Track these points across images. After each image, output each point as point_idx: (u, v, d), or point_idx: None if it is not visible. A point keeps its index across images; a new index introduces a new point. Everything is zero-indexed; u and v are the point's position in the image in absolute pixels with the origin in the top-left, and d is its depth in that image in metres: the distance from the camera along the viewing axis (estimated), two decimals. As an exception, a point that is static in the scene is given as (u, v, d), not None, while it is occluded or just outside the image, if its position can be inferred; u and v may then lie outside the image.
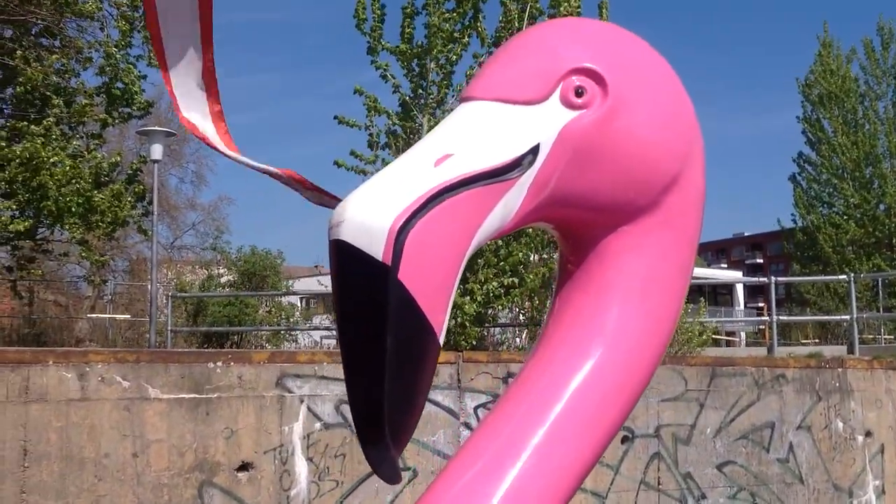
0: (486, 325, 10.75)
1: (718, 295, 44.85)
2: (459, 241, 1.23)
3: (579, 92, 1.35)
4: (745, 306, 50.03)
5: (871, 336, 17.96)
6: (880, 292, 20.52)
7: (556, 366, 1.43)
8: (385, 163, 11.15)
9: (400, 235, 1.16)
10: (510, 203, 1.31)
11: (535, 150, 1.32)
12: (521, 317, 12.48)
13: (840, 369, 9.41)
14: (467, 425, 7.53)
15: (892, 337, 18.23)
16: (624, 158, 1.39)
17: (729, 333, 28.36)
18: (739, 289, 50.80)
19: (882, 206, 30.53)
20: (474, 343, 9.51)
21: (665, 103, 1.44)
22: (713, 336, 16.53)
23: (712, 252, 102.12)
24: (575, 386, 1.41)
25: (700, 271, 49.75)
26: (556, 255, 8.36)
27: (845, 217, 31.13)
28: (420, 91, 11.29)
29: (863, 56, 32.31)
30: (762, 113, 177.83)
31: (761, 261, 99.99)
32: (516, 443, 1.38)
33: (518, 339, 13.00)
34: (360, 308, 1.18)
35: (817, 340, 20.03)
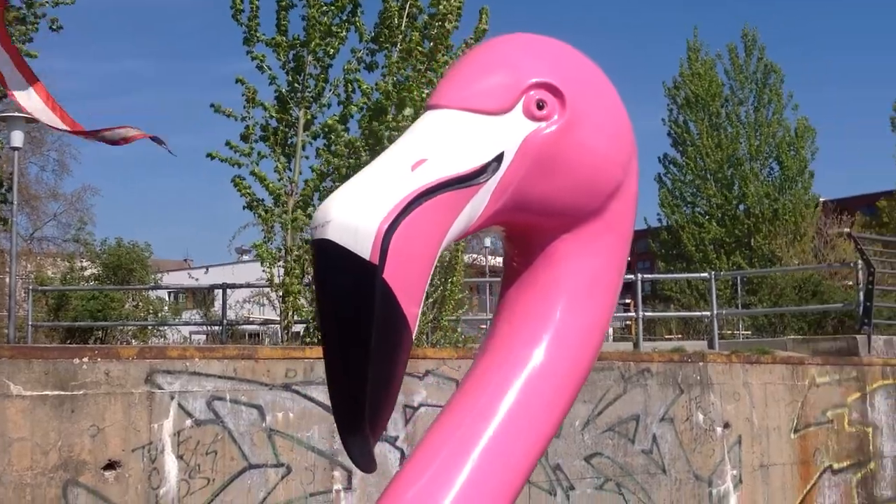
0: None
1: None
2: (434, 241, 1.31)
3: (540, 105, 1.45)
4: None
5: (729, 332, 18.75)
6: (739, 289, 21.42)
7: (508, 363, 1.51)
8: (261, 156, 11.00)
9: (386, 237, 1.23)
10: (476, 207, 1.39)
11: (499, 158, 1.41)
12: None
13: (701, 363, 9.79)
14: (342, 421, 7.51)
15: (749, 332, 19.06)
16: (578, 167, 1.49)
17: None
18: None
19: (742, 207, 31.87)
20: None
21: (611, 116, 1.56)
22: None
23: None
24: (528, 382, 1.50)
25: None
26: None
27: (707, 216, 32.37)
28: (297, 84, 11.18)
29: (727, 61, 33.62)
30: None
31: (628, 258, 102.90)
32: (473, 441, 1.45)
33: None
34: (345, 304, 1.25)
35: (680, 336, 20.78)
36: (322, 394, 7.45)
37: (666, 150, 34.76)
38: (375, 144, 10.32)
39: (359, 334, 1.25)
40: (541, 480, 8.52)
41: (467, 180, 1.37)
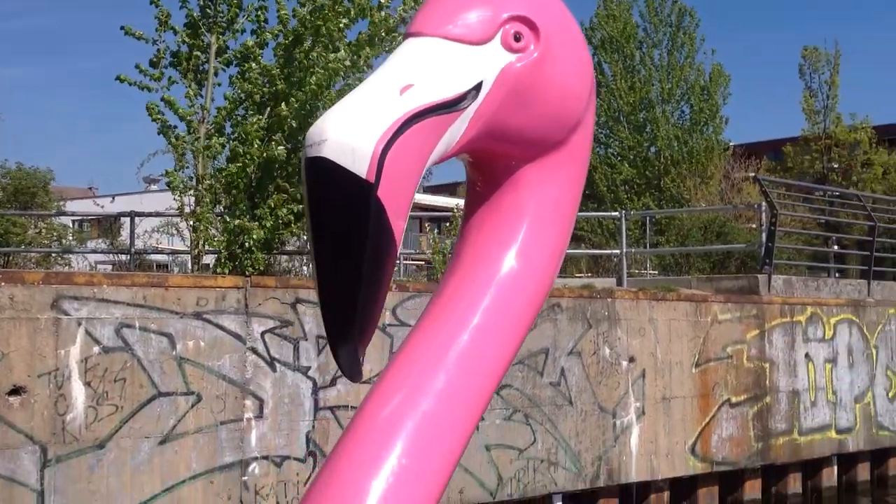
0: (274, 251, 10.65)
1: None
2: (420, 162, 1.39)
3: (517, 37, 1.52)
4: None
5: (637, 270, 19.16)
6: (648, 229, 21.84)
7: (479, 281, 1.60)
8: (171, 81, 10.71)
9: (381, 157, 1.30)
10: (455, 132, 1.46)
11: (478, 87, 1.48)
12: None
13: (609, 300, 10.01)
14: (254, 350, 7.49)
15: (656, 272, 19.52)
16: (548, 99, 1.58)
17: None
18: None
19: (653, 149, 32.38)
20: (261, 269, 9.41)
21: (577, 52, 1.64)
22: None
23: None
24: (498, 298, 1.60)
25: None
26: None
27: (620, 158, 32.81)
28: (209, 10, 10.86)
29: (642, 4, 33.82)
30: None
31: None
32: (448, 353, 1.54)
33: (305, 268, 12.97)
34: (340, 220, 1.32)
35: (590, 274, 21.17)
36: (234, 323, 7.40)
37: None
38: (291, 73, 10.13)
39: (353, 248, 1.32)
40: (451, 411, 8.65)
41: (450, 106, 1.43)
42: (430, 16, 1.52)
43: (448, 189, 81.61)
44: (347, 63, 10.31)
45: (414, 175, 1.38)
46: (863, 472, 13.15)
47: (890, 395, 13.16)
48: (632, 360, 10.07)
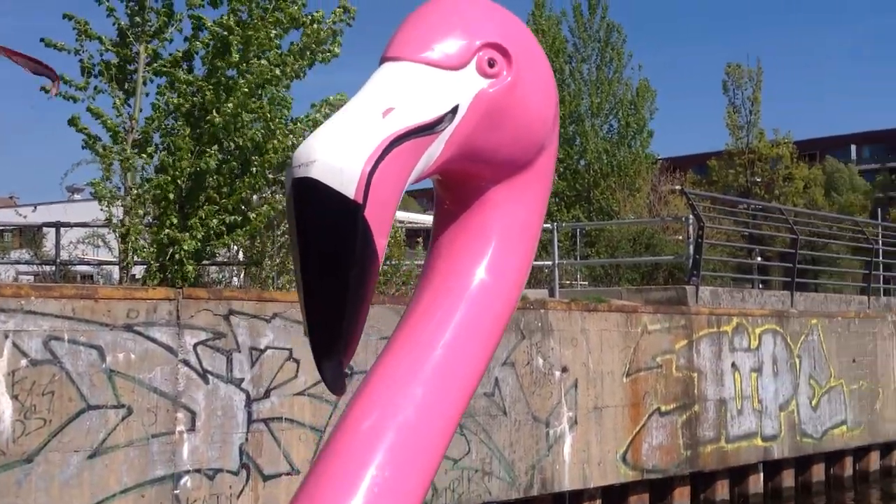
0: (205, 262, 10.52)
1: (422, 238, 46.35)
2: (402, 182, 1.44)
3: (491, 63, 1.59)
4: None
5: (568, 281, 19.36)
6: (578, 241, 22.08)
7: (451, 298, 1.65)
8: (97, 90, 10.52)
9: (368, 179, 1.34)
10: (432, 154, 1.51)
11: (454, 110, 1.54)
12: (242, 256, 12.33)
13: (542, 310, 10.11)
14: (186, 362, 7.39)
15: (587, 282, 19.75)
16: (519, 122, 1.64)
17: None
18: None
19: (583, 162, 32.75)
20: (192, 281, 9.29)
21: (544, 78, 1.71)
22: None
23: (429, 198, 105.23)
24: (469, 314, 1.64)
25: (419, 217, 51.26)
26: (279, 196, 8.32)
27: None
28: (137, 18, 10.71)
29: (571, 19, 34.26)
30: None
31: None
32: (422, 368, 1.59)
33: (236, 279, 12.84)
34: (328, 239, 1.35)
35: (521, 285, 21.31)
36: (165, 335, 7.30)
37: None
38: (220, 84, 10.04)
39: (339, 266, 1.36)
40: (385, 422, 8.64)
41: (428, 129, 1.49)
42: (407, 41, 1.57)
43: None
44: (277, 72, 10.27)
45: (396, 195, 1.43)
46: (787, 478, 13.47)
47: (813, 403, 13.51)
48: (564, 370, 10.18)
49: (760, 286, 17.57)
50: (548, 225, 17.96)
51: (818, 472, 13.98)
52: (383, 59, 1.58)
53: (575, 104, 32.89)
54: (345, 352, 1.43)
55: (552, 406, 10.02)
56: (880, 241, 17.53)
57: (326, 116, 11.20)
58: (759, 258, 23.89)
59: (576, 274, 20.09)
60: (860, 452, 14.79)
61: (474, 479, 9.29)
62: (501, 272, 1.69)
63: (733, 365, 12.20)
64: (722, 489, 12.34)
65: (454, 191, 1.75)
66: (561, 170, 32.85)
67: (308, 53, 10.56)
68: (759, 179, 44.19)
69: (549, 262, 14.76)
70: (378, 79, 1.53)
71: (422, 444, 1.57)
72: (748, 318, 12.61)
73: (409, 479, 1.55)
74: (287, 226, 1.43)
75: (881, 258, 17.09)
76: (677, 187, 30.11)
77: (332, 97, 11.16)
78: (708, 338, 11.88)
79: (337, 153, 1.35)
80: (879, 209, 46.50)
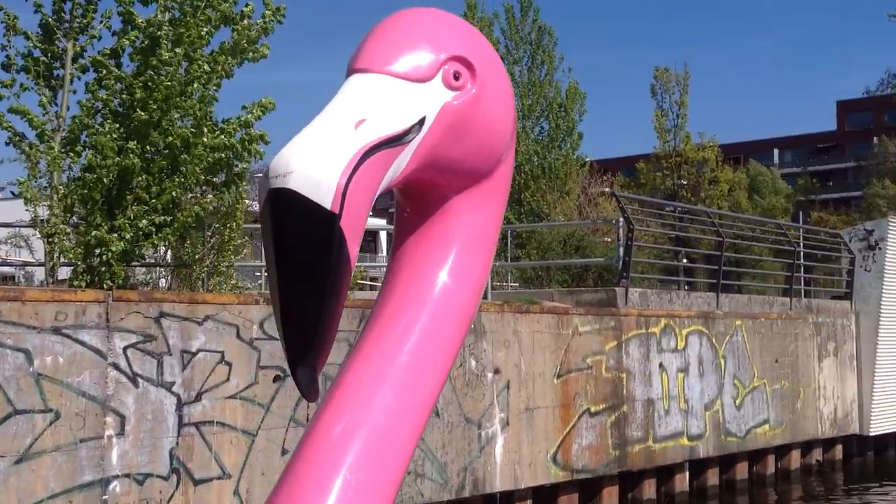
0: (134, 264, 10.35)
1: (363, 241, 46.20)
2: (373, 192, 1.47)
3: (456, 76, 1.62)
4: (388, 253, 52.06)
5: (499, 283, 19.49)
6: (509, 243, 22.25)
7: (416, 303, 1.69)
8: (23, 87, 10.28)
9: (344, 190, 1.38)
10: (399, 164, 1.55)
11: (421, 122, 1.57)
12: (170, 257, 12.14)
13: (476, 312, 10.15)
14: (115, 366, 7.28)
15: (517, 284, 19.89)
16: (481, 133, 1.68)
17: (372, 279, 29.43)
18: (383, 236, 52.78)
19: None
20: (120, 283, 9.14)
21: (503, 91, 1.75)
22: (358, 281, 17.10)
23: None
24: (433, 318, 1.69)
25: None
26: (210, 197, 8.22)
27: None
28: (63, 14, 10.50)
29: (504, 21, 34.48)
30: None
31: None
32: (390, 372, 1.63)
33: (163, 281, 12.65)
34: (306, 248, 1.38)
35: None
36: (95, 338, 7.18)
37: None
38: (149, 81, 9.89)
39: (316, 275, 1.38)
40: (318, 425, 8.61)
41: (397, 140, 1.52)
42: (376, 53, 1.60)
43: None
44: (207, 68, 10.18)
45: (368, 204, 1.46)
46: (712, 477, 13.76)
47: (737, 402, 13.83)
48: (497, 371, 10.26)
49: (686, 288, 17.90)
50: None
51: (742, 471, 14.31)
52: (351, 71, 1.61)
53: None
54: (318, 358, 1.46)
55: (484, 408, 10.09)
56: (801, 244, 18.00)
57: (258, 119, 11.17)
58: (685, 260, 24.34)
59: (507, 275, 20.23)
60: (782, 451, 15.18)
61: (406, 481, 9.31)
62: (464, 278, 1.74)
63: (661, 366, 12.43)
64: (649, 488, 12.56)
65: (416, 199, 1.79)
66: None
67: (239, 52, 10.48)
68: (685, 182, 45.01)
69: (481, 264, 14.84)
70: (348, 90, 1.56)
71: (392, 448, 1.61)
72: (675, 319, 12.86)
73: (380, 481, 1.59)
74: (262, 235, 1.43)
75: (802, 260, 17.55)
76: (607, 189, 30.52)
77: (264, 99, 11.10)
78: (637, 339, 12.08)
79: (313, 165, 1.38)
80: (801, 212, 47.73)
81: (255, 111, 11.07)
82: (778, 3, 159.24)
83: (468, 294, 1.76)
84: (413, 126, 1.56)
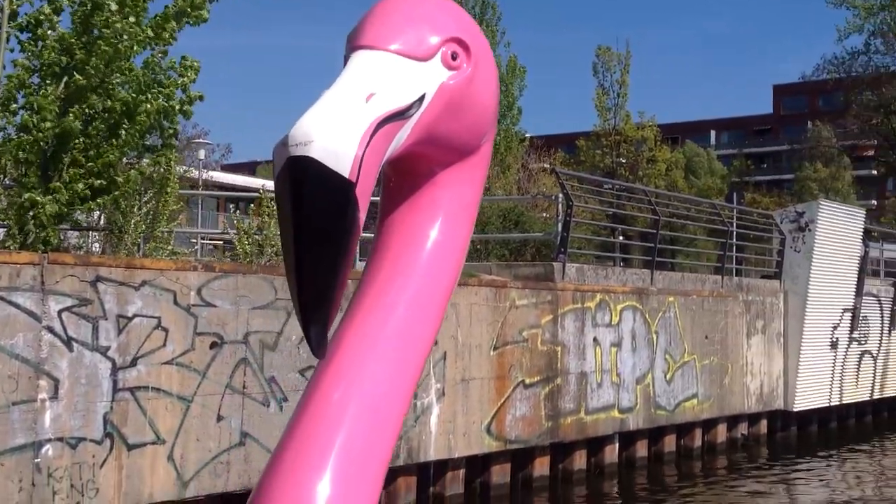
0: (69, 227, 10.21)
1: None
2: (380, 163, 1.56)
3: (454, 56, 1.72)
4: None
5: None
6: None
7: (406, 268, 1.79)
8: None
9: (361, 160, 1.46)
10: (401, 137, 1.63)
11: (422, 98, 1.66)
12: (104, 222, 11.99)
13: (414, 283, 10.23)
14: (50, 329, 7.21)
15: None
16: (473, 111, 1.79)
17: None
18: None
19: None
20: (54, 246, 9.02)
21: (492, 72, 1.85)
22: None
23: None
24: (424, 282, 1.80)
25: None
26: (146, 161, 8.14)
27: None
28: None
29: (448, -5, 34.37)
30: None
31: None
32: (387, 332, 1.75)
33: (97, 245, 12.48)
34: (325, 214, 1.46)
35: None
36: (29, 300, 7.09)
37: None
38: (90, 42, 9.72)
39: (333, 239, 1.47)
40: (255, 392, 8.64)
41: (401, 115, 1.61)
42: (381, 31, 1.69)
43: (248, 167, 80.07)
44: (150, 34, 10.03)
45: (376, 174, 1.56)
46: (641, 448, 14.08)
47: (667, 377, 14.14)
48: (434, 342, 10.33)
49: (622, 264, 18.19)
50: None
51: (670, 443, 14.66)
52: (356, 47, 1.69)
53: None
54: (329, 317, 1.54)
55: (421, 378, 10.16)
56: (735, 224, 18.38)
57: (193, 81, 11.04)
58: (621, 237, 24.67)
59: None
60: (709, 424, 15.57)
61: (342, 448, 9.38)
62: (451, 246, 1.85)
63: (595, 340, 12.65)
64: (580, 459, 12.81)
65: (406, 172, 1.87)
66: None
67: (183, 17, 10.35)
68: (624, 161, 45.53)
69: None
70: (357, 65, 1.64)
71: (388, 410, 1.72)
72: (610, 294, 13.08)
73: (378, 441, 1.69)
74: (276, 201, 1.49)
75: (735, 240, 17.92)
76: (547, 165, 30.74)
77: (188, 59, 10.94)
78: (572, 313, 12.27)
79: (333, 135, 1.45)
80: (735, 193, 48.67)
81: (189, 74, 10.96)
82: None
83: (455, 261, 1.87)
84: (415, 102, 1.65)
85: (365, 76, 1.61)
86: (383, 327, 1.74)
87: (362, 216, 1.51)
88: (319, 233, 1.48)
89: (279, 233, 1.54)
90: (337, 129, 1.47)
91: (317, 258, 1.49)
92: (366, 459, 1.67)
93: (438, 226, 1.84)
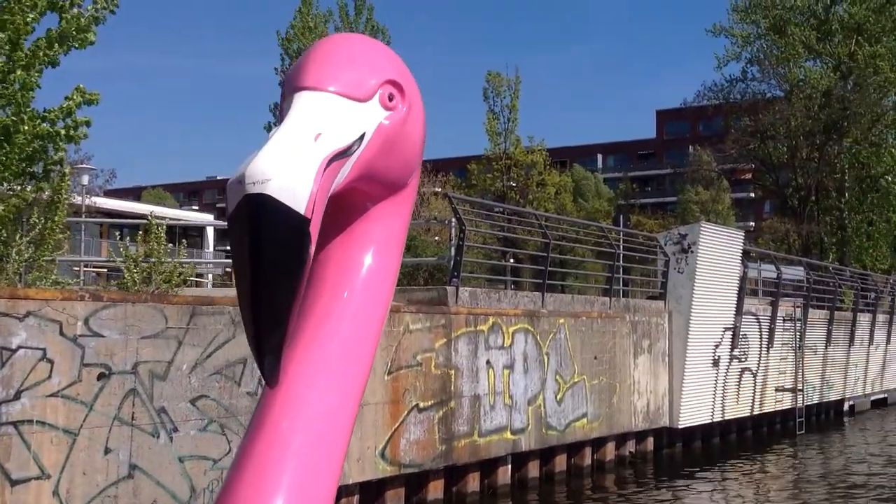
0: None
1: (189, 236, 45.18)
2: (326, 199, 1.64)
3: (391, 97, 1.83)
4: (215, 248, 51.07)
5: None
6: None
7: (344, 299, 1.88)
8: None
9: (315, 197, 1.54)
10: (343, 174, 1.72)
11: (361, 137, 1.76)
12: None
13: (307, 309, 10.21)
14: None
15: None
16: (407, 149, 1.90)
17: (198, 275, 28.81)
18: (210, 231, 51.64)
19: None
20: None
21: (421, 112, 1.95)
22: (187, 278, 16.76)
23: (185, 194, 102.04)
24: (361, 311, 1.89)
25: (172, 212, 49.68)
26: (29, 188, 7.95)
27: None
28: None
29: (338, 18, 34.50)
30: (239, 58, 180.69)
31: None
32: (329, 361, 1.84)
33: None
34: (281, 249, 1.52)
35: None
36: None
37: (276, 99, 35.03)
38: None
39: (290, 273, 1.54)
40: (145, 423, 8.47)
41: (344, 153, 1.70)
42: (323, 73, 1.78)
43: (133, 193, 78.24)
44: (27, 53, 9.87)
45: (323, 209, 1.64)
46: (533, 469, 14.29)
47: (558, 397, 14.41)
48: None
49: (514, 287, 18.47)
50: (312, 224, 18.06)
51: (560, 463, 14.92)
52: (298, 87, 1.77)
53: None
54: (283, 347, 1.60)
55: (314, 404, 10.13)
56: (621, 246, 18.87)
57: (79, 106, 10.85)
58: (512, 260, 25.06)
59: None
60: (598, 443, 15.90)
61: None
62: (384, 274, 1.95)
63: (488, 362, 12.82)
64: (473, 481, 12.93)
65: (340, 207, 1.95)
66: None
67: (68, 40, 10.17)
68: (514, 184, 46.23)
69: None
70: (303, 105, 1.73)
71: (335, 434, 1.83)
72: (503, 317, 13.28)
73: (328, 466, 1.81)
74: (231, 236, 1.55)
75: (622, 262, 18.40)
76: (439, 189, 30.98)
77: (82, 86, 10.82)
78: (465, 336, 12.42)
79: (289, 174, 1.53)
80: (621, 215, 49.90)
81: (75, 98, 10.77)
82: (606, 13, 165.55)
83: (388, 288, 1.97)
84: (356, 141, 1.75)
85: (311, 116, 1.69)
86: (326, 354, 1.83)
87: (312, 250, 1.59)
88: (277, 265, 1.54)
89: (232, 266, 1.60)
90: (292, 167, 1.55)
91: (274, 290, 1.55)
92: (318, 484, 1.77)
93: (372, 256, 1.94)
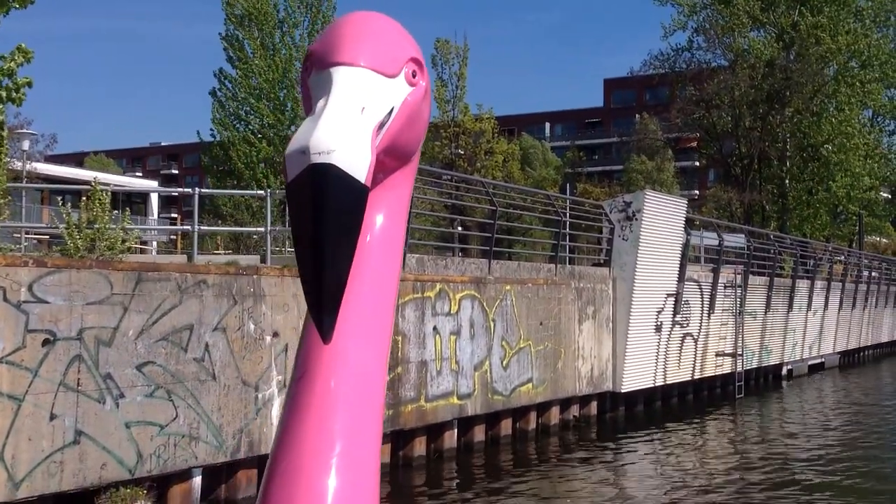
0: None
1: (133, 203, 44.59)
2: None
3: (413, 74, 1.96)
4: (159, 216, 50.51)
5: (279, 248, 19.49)
6: (287, 209, 22.20)
7: (366, 257, 1.98)
8: None
9: (372, 166, 1.66)
10: (375, 146, 1.81)
11: (391, 112, 1.87)
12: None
13: (255, 276, 10.24)
14: None
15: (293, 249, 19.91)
16: (422, 122, 2.04)
17: (142, 242, 28.51)
18: (154, 198, 51.03)
19: (293, 128, 32.76)
20: None
21: (430, 90, 2.08)
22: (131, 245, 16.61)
23: (128, 160, 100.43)
24: (380, 272, 2.00)
25: (115, 178, 48.99)
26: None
27: (259, 136, 32.91)
28: None
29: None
30: (184, 19, 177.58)
31: (176, 171, 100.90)
32: (359, 324, 1.94)
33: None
34: (345, 215, 1.64)
35: (230, 251, 21.16)
36: None
37: (222, 64, 34.62)
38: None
39: (349, 236, 1.66)
40: (90, 389, 8.46)
41: (382, 125, 1.83)
42: (357, 50, 1.90)
43: (74, 159, 76.76)
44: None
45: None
46: (479, 433, 14.50)
47: (504, 363, 14.60)
48: (275, 335, 10.38)
49: (461, 254, 18.59)
50: (261, 192, 18.00)
51: (506, 427, 15.15)
52: (335, 63, 1.88)
53: (286, 69, 32.86)
54: (340, 306, 1.71)
55: (262, 370, 10.21)
56: (568, 214, 19.06)
57: (20, 65, 10.68)
58: (460, 227, 25.16)
59: (285, 241, 20.26)
60: (543, 407, 16.17)
61: (181, 444, 9.31)
62: (397, 237, 2.07)
63: (435, 328, 12.94)
64: (420, 445, 13.09)
65: None
66: (271, 135, 32.80)
67: (8, 0, 9.99)
68: (462, 152, 46.25)
69: (262, 229, 14.84)
70: (345, 80, 1.84)
71: (376, 387, 1.94)
72: (450, 284, 13.40)
73: (374, 418, 1.90)
74: (292, 203, 1.66)
75: (568, 229, 18.60)
76: (386, 157, 30.89)
77: (23, 45, 10.66)
78: (413, 303, 12.52)
79: (351, 145, 1.66)
80: (568, 184, 50.25)
81: (16, 58, 10.61)
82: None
83: (400, 249, 2.09)
84: (387, 115, 1.87)
85: (355, 90, 1.82)
86: (356, 312, 1.93)
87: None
88: (340, 230, 1.66)
89: (292, 232, 1.69)
90: (353, 139, 1.68)
91: (337, 253, 1.67)
92: (367, 431, 1.89)
93: (386, 221, 2.06)
